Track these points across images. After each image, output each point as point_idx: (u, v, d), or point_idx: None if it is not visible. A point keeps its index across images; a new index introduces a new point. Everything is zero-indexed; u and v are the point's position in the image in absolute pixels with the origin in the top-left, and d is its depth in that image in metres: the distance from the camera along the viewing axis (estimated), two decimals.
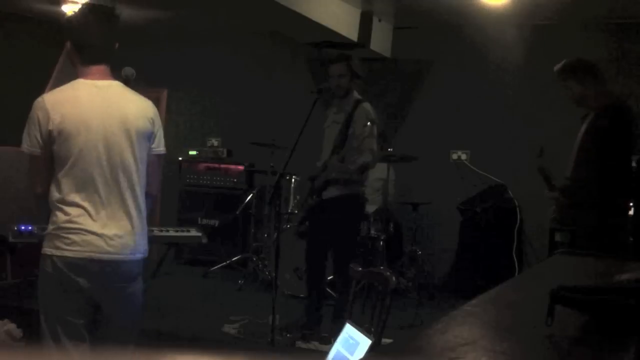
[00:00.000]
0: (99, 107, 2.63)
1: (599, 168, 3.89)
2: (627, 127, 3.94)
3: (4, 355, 0.78)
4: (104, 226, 2.60)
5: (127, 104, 2.69)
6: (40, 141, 2.58)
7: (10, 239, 3.08)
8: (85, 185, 2.60)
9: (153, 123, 2.73)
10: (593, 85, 4.01)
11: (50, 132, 2.56)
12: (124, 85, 2.75)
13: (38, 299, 2.71)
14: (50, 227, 2.63)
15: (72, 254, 2.58)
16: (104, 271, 2.60)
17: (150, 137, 2.73)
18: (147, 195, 2.76)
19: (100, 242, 2.59)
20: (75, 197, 2.60)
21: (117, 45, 2.73)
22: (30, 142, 2.60)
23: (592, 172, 3.90)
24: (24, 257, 5.85)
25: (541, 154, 4.16)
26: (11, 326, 4.27)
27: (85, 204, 2.60)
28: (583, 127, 4.02)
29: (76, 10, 2.75)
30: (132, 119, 2.66)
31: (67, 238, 2.58)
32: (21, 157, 2.68)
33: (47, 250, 2.61)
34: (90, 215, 2.59)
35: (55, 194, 2.61)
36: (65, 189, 2.60)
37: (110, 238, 2.60)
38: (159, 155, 2.81)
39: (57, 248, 2.60)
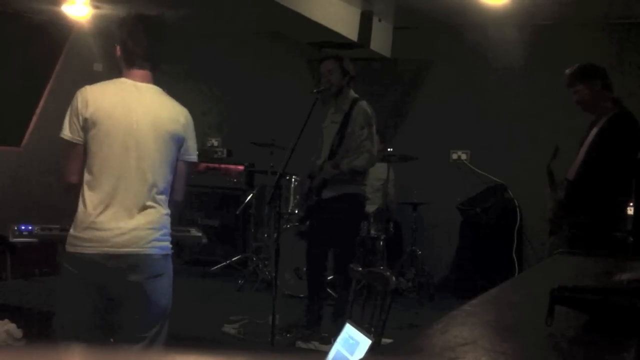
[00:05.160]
0: (133, 105, 2.68)
1: (607, 171, 3.98)
2: (637, 133, 4.06)
3: (4, 355, 0.78)
4: (118, 220, 2.63)
5: (160, 107, 2.75)
6: (79, 129, 2.65)
7: (10, 239, 3.08)
8: (104, 179, 2.64)
9: (184, 129, 2.77)
10: (603, 91, 4.12)
11: (86, 120, 2.64)
12: (162, 91, 2.82)
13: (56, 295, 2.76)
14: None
15: (86, 249, 2.62)
16: (119, 266, 2.62)
17: (179, 141, 2.76)
18: (170, 200, 2.82)
19: (112, 237, 2.61)
20: (94, 190, 2.64)
21: (162, 55, 2.81)
22: (70, 129, 2.66)
23: (600, 175, 3.99)
24: (24, 257, 5.86)
25: (556, 154, 4.20)
26: (11, 326, 4.27)
27: (101, 197, 2.63)
28: (593, 132, 4.09)
29: (126, 16, 2.79)
30: (163, 121, 2.71)
31: (82, 233, 2.63)
32: (21, 157, 2.70)
33: (66, 246, 2.67)
34: (104, 208, 2.63)
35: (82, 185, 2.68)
36: (86, 181, 2.66)
37: (123, 232, 2.63)
38: (186, 163, 2.83)
39: (73, 245, 2.64)
